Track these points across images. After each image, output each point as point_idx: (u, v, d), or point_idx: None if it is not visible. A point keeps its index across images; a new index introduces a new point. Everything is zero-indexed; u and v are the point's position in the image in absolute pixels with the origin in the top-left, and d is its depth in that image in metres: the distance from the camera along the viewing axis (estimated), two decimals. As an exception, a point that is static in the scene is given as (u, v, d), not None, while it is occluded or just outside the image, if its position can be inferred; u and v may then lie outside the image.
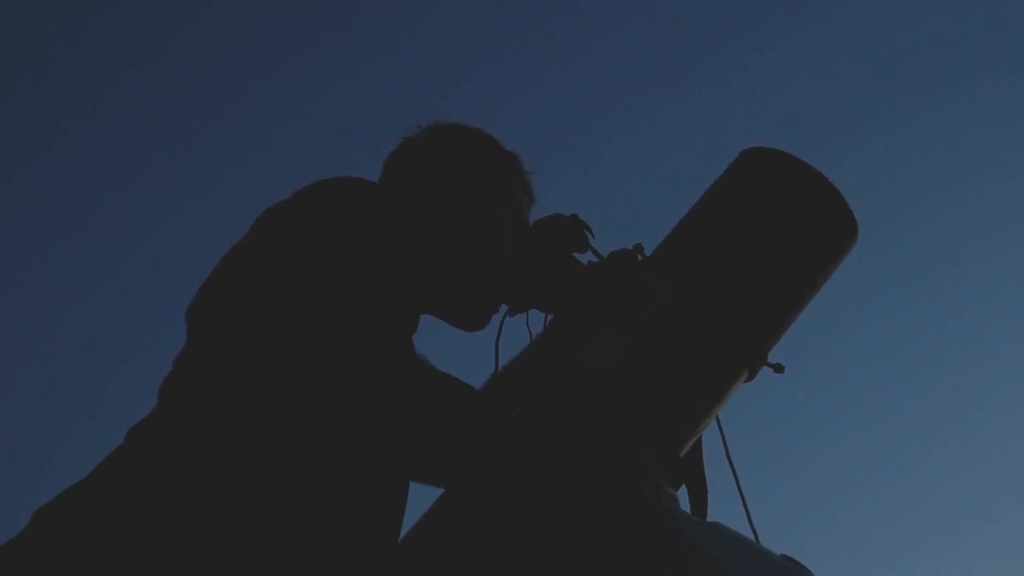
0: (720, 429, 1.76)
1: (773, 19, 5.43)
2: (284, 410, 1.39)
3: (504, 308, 1.79)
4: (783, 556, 1.45)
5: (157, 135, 5.47)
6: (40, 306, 5.27)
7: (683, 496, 1.73)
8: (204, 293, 1.50)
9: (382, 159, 1.82)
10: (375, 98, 5.46)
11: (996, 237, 5.27)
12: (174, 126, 5.53)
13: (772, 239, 1.74)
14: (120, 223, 5.35)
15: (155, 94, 5.49)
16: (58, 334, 5.24)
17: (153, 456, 1.39)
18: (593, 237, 1.78)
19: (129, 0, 5.55)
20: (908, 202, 5.34)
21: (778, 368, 1.75)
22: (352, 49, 5.65)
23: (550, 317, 1.79)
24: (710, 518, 1.71)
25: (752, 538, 1.62)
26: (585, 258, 1.78)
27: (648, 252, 1.76)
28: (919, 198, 5.41)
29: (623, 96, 5.48)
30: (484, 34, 5.65)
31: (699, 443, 1.75)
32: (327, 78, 5.66)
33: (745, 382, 1.74)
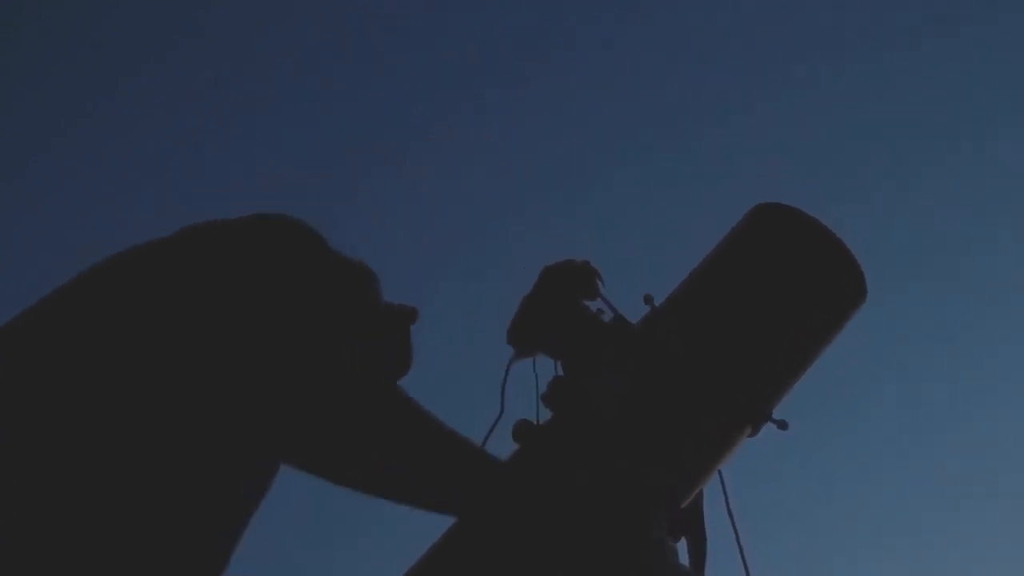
0: (722, 483, 1.77)
1: (790, 66, 5.42)
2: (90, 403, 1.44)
3: (511, 352, 1.79)
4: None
5: (157, 135, 5.46)
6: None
7: (682, 550, 1.73)
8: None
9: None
10: (378, 103, 5.45)
11: (1011, 288, 5.24)
12: (174, 126, 5.52)
13: (780, 296, 1.75)
14: (120, 223, 5.33)
15: (155, 94, 5.48)
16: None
17: None
18: (604, 285, 1.78)
19: (129, 0, 5.54)
20: (917, 260, 5.33)
21: (781, 425, 1.75)
22: (356, 51, 5.65)
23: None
24: (708, 574, 1.72)
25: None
26: (596, 305, 1.78)
27: (657, 302, 1.77)
28: (929, 254, 5.39)
29: (639, 141, 5.46)
30: (489, 49, 5.65)
31: (700, 496, 1.76)
32: (328, 81, 5.65)
33: (749, 437, 1.75)
